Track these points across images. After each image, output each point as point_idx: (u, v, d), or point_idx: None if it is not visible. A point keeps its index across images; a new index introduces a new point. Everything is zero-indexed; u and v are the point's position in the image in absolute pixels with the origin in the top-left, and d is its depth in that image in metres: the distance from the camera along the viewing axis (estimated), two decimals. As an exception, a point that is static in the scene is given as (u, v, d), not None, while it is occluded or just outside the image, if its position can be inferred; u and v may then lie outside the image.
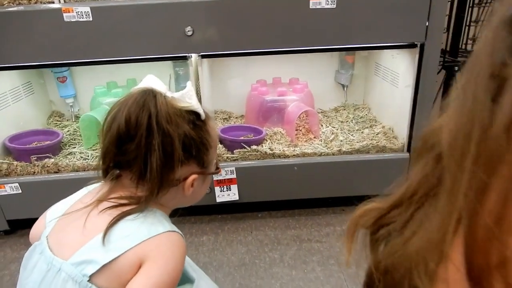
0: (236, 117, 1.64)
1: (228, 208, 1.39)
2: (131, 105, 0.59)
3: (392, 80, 1.40)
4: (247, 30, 1.13)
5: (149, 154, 0.58)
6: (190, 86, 0.63)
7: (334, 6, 1.09)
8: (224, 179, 1.27)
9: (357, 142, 1.36)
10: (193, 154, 0.62)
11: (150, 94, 0.59)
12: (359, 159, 1.30)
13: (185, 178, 0.63)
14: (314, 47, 1.20)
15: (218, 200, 1.30)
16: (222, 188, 1.28)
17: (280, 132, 1.42)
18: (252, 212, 1.39)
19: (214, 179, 1.27)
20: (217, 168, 0.71)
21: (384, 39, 1.19)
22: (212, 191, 1.28)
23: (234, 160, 1.30)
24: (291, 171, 1.29)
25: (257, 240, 1.25)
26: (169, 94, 0.61)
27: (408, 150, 1.29)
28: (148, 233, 0.56)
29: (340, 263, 1.12)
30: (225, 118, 1.62)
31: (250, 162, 1.29)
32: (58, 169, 1.26)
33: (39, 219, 0.67)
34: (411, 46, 1.20)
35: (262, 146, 1.33)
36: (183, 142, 0.60)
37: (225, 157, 1.30)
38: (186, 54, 1.15)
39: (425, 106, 1.23)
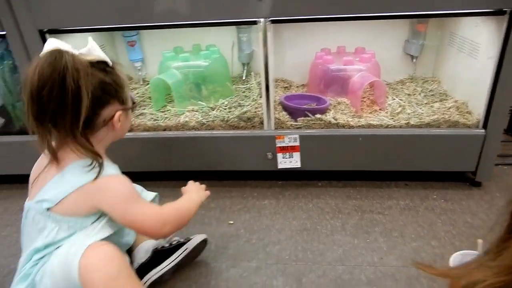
0: (297, 86, 1.62)
1: (289, 175, 1.41)
2: (41, 66, 0.68)
3: (471, 52, 1.30)
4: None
5: (67, 106, 0.69)
6: (91, 40, 0.75)
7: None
8: (287, 146, 1.28)
9: (427, 116, 1.31)
10: (113, 95, 0.77)
11: (57, 54, 0.69)
12: (428, 133, 1.25)
13: (112, 117, 0.78)
14: (386, 14, 1.14)
15: (280, 166, 1.31)
16: (284, 155, 1.30)
17: (344, 102, 1.40)
18: (312, 181, 1.40)
19: (277, 145, 1.28)
20: (134, 102, 0.86)
21: (467, 5, 1.11)
22: (274, 157, 1.30)
23: (298, 128, 1.30)
24: (355, 142, 1.27)
25: (318, 207, 1.26)
26: (75, 51, 0.72)
27: (484, 126, 1.22)
28: (86, 178, 0.74)
29: (404, 236, 1.11)
30: (285, 87, 1.61)
31: (313, 131, 1.28)
32: (131, 129, 1.34)
33: None
34: (498, 13, 1.11)
35: (326, 116, 1.32)
36: (102, 88, 0.74)
37: (289, 125, 1.31)
38: (256, 19, 1.14)
39: (509, 80, 1.14)
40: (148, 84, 1.64)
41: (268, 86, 1.25)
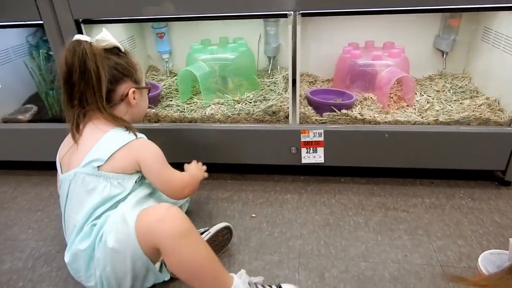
0: (322, 81, 1.61)
1: (311, 170, 1.41)
2: (65, 56, 0.85)
3: (505, 47, 1.26)
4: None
5: (91, 84, 0.85)
6: (105, 30, 0.89)
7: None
8: (311, 141, 1.28)
9: (456, 113, 1.27)
10: (126, 74, 0.92)
11: (76, 43, 0.85)
12: (458, 130, 1.22)
13: (127, 95, 0.92)
14: (418, 7, 1.11)
15: (304, 161, 1.31)
16: (308, 150, 1.30)
17: (371, 98, 1.38)
18: (335, 176, 1.39)
19: (301, 140, 1.28)
20: (147, 84, 1.03)
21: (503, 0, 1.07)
22: (298, 151, 1.30)
23: (323, 123, 1.30)
24: (381, 138, 1.25)
25: (341, 203, 1.25)
26: (92, 40, 0.87)
27: (517, 125, 1.18)
28: (127, 138, 0.88)
29: (430, 235, 1.09)
30: (311, 81, 1.60)
31: (338, 126, 1.27)
32: (158, 119, 1.37)
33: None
34: (538, 8, 1.06)
35: (352, 111, 1.31)
36: (115, 68, 0.89)
37: (314, 120, 1.30)
38: (286, 12, 1.14)
39: (546, 77, 1.10)
40: (175, 76, 1.67)
41: (295, 80, 1.25)
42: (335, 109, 1.29)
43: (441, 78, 1.54)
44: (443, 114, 1.28)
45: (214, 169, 1.44)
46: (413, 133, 1.24)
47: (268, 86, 1.51)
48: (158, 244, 0.78)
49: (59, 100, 1.48)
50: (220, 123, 1.33)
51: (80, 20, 1.21)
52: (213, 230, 1.02)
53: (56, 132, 1.40)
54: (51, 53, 1.45)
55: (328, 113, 1.30)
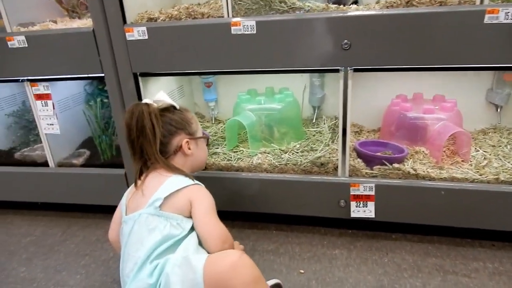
0: (367, 131, 1.59)
1: (359, 224, 1.35)
2: (126, 118, 0.98)
3: None
4: (404, 45, 1.08)
5: (147, 139, 0.96)
6: (161, 92, 1.03)
7: (515, 19, 0.98)
8: (361, 195, 1.24)
9: (518, 171, 1.20)
10: (179, 128, 1.02)
11: (135, 106, 0.97)
12: (522, 190, 1.14)
13: (181, 146, 1.01)
14: (469, 65, 1.09)
15: (353, 215, 1.27)
16: (358, 204, 1.25)
17: (423, 151, 1.34)
18: (385, 232, 1.33)
19: (351, 193, 1.24)
20: (204, 134, 1.13)
21: None
22: (347, 205, 1.26)
23: (373, 176, 1.26)
24: (437, 195, 1.19)
25: (394, 263, 1.18)
26: (150, 101, 1.00)
27: None
28: (186, 182, 0.95)
29: (498, 306, 1.00)
30: (356, 131, 1.58)
31: (391, 181, 1.23)
32: (205, 167, 1.38)
33: (116, 210, 1.08)
34: None
35: (404, 165, 1.26)
36: (169, 123, 1.00)
37: (364, 173, 1.27)
38: (339, 68, 1.15)
39: None
40: (219, 123, 1.70)
41: (345, 132, 1.23)
42: (386, 163, 1.25)
43: (495, 132, 1.48)
44: (503, 172, 1.21)
45: (259, 219, 1.43)
46: (471, 191, 1.17)
47: (313, 135, 1.51)
48: None
49: (112, 145, 1.54)
50: (267, 172, 1.33)
51: (138, 73, 1.28)
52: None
53: (107, 177, 1.44)
54: (105, 100, 1.53)
55: (379, 166, 1.26)
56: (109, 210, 1.56)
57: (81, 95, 1.65)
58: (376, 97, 1.55)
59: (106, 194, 1.47)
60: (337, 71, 1.16)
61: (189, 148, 1.03)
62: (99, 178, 1.45)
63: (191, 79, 1.74)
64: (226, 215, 1.43)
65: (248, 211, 1.37)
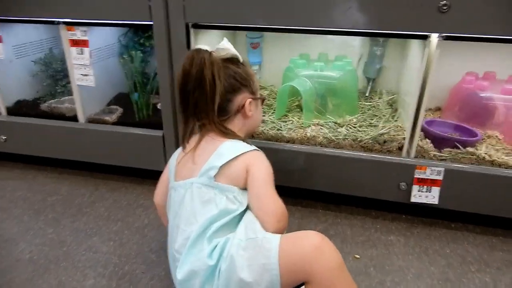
0: (426, 109, 1.45)
1: (415, 210, 1.25)
2: (184, 64, 0.81)
3: None
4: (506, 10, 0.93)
5: (205, 94, 0.81)
6: (225, 39, 0.86)
7: None
8: (427, 179, 1.13)
9: None
10: (244, 84, 0.87)
11: (196, 52, 0.81)
12: None
13: (243, 106, 0.87)
14: None
15: (413, 200, 1.16)
16: (421, 188, 1.14)
17: (496, 136, 1.21)
18: (443, 220, 1.22)
19: (415, 176, 1.13)
20: (261, 94, 1.01)
21: None
22: (408, 188, 1.15)
23: (442, 159, 1.14)
24: (511, 186, 1.08)
25: (458, 255, 1.08)
26: (211, 49, 0.83)
27: None
28: (244, 148, 0.82)
29: None
30: (411, 109, 1.45)
31: (462, 166, 1.11)
32: (252, 135, 1.26)
33: (164, 171, 0.95)
34: None
35: (477, 150, 1.14)
36: (234, 77, 0.85)
37: (432, 155, 1.15)
38: (428, 34, 1.00)
39: None
40: (261, 89, 1.57)
41: (418, 112, 1.10)
42: (459, 145, 1.13)
43: None
44: None
45: (304, 196, 1.33)
46: (552, 183, 1.06)
47: (368, 110, 1.38)
48: (312, 275, 0.68)
49: (149, 104, 1.42)
50: (322, 146, 1.21)
51: (191, 24, 1.14)
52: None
53: (142, 138, 1.33)
54: (141, 54, 1.39)
55: (449, 149, 1.14)
56: (141, 174, 1.46)
57: (114, 46, 1.51)
58: (441, 73, 1.40)
59: (139, 156, 1.36)
60: (424, 37, 1.01)
61: (251, 110, 0.89)
62: (133, 138, 1.33)
63: (236, 37, 1.58)
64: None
65: (294, 186, 1.26)
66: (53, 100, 1.53)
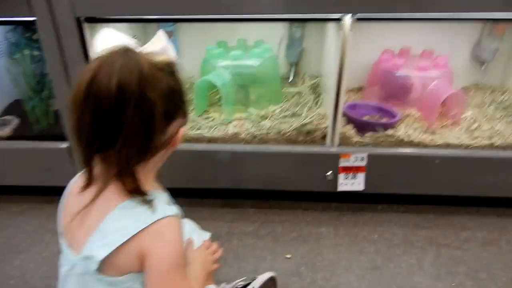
0: (348, 90, 1.43)
1: (343, 197, 1.25)
2: (119, 73, 0.50)
3: None
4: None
5: (141, 127, 0.53)
6: (161, 32, 0.61)
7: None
8: (352, 167, 1.11)
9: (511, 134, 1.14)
10: (180, 106, 0.59)
11: (131, 55, 0.52)
12: (516, 157, 1.08)
13: (174, 136, 0.59)
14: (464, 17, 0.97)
15: (340, 188, 1.15)
16: (347, 176, 1.13)
17: (413, 115, 1.22)
18: (369, 204, 1.24)
19: (339, 165, 1.11)
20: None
21: None
22: (335, 178, 1.13)
23: (364, 145, 1.13)
24: (430, 164, 1.10)
25: (385, 238, 1.10)
26: (139, 48, 0.55)
27: None
28: (139, 222, 0.55)
29: (495, 279, 0.96)
30: (335, 91, 1.42)
31: (384, 150, 1.11)
32: (170, 138, 1.16)
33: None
34: None
35: (396, 131, 1.15)
36: (171, 98, 0.55)
37: (354, 141, 1.13)
38: (339, 16, 0.95)
39: None
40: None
41: (338, 96, 1.07)
42: (378, 129, 1.13)
43: (478, 91, 1.41)
44: (496, 136, 1.14)
45: (232, 196, 1.26)
46: (465, 158, 1.09)
47: (292, 97, 1.33)
48: None
49: (48, 111, 1.24)
50: (245, 143, 1.14)
51: (83, 18, 0.98)
52: (257, 284, 0.84)
53: (44, 152, 1.17)
54: (36, 53, 1.20)
55: (370, 133, 1.13)
56: (47, 192, 1.27)
57: (2, 45, 1.29)
58: (359, 52, 1.38)
59: (44, 172, 1.20)
60: (338, 20, 0.96)
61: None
62: (33, 153, 1.17)
63: (147, 27, 1.43)
64: (194, 193, 1.26)
65: (219, 187, 1.19)
66: None
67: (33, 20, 0.99)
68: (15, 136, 1.21)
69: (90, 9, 0.97)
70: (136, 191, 0.57)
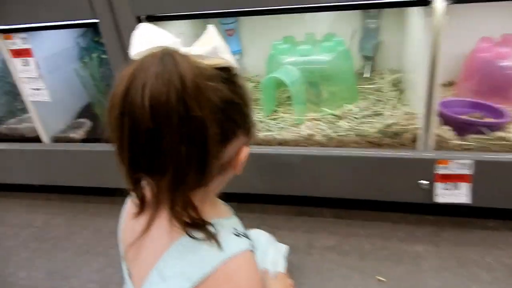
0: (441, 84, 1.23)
1: (441, 208, 1.05)
2: (153, 81, 0.38)
3: None
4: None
5: (190, 147, 0.40)
6: (211, 28, 0.46)
7: None
8: (452, 175, 0.92)
9: None
10: (239, 123, 0.46)
11: (167, 58, 0.40)
12: None
13: (236, 158, 0.48)
14: None
15: (438, 200, 0.96)
16: (446, 186, 0.94)
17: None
18: (477, 218, 1.02)
19: (436, 172, 0.93)
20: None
21: None
22: (430, 187, 0.95)
23: (466, 149, 0.94)
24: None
25: (503, 264, 0.89)
26: (184, 49, 0.43)
27: None
28: (204, 268, 0.44)
29: None
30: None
31: (492, 155, 0.91)
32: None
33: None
34: None
35: (507, 133, 0.93)
36: (228, 113, 0.43)
37: (453, 145, 0.94)
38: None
39: None
40: (246, 81, 1.36)
41: (431, 92, 0.89)
42: (483, 130, 0.92)
43: None
44: None
45: (309, 203, 1.13)
46: None
47: (370, 95, 1.16)
48: None
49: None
50: (321, 146, 1.01)
51: (143, 16, 0.94)
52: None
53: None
54: (104, 56, 1.20)
55: (474, 136, 0.93)
56: (123, 193, 1.26)
57: (73, 50, 1.31)
58: (450, 40, 1.17)
59: (117, 174, 1.17)
60: (426, 3, 0.80)
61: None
62: (105, 155, 1.15)
63: (206, 25, 1.36)
64: (266, 199, 1.14)
65: (294, 194, 1.07)
66: (13, 120, 1.35)
67: (97, 22, 0.97)
68: (88, 138, 1.22)
69: (150, 7, 0.92)
70: (194, 224, 0.45)
